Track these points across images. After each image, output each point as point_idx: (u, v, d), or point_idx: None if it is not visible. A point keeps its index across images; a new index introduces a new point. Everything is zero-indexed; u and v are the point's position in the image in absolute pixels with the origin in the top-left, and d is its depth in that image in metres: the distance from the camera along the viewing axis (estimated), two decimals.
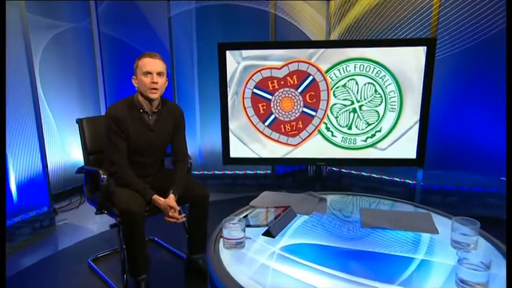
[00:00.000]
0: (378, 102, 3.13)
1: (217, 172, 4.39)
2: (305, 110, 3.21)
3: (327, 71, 3.13)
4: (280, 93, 3.19)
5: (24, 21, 3.16)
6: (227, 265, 1.64)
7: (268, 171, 4.40)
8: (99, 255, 2.95)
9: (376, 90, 3.11)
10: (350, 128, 3.20)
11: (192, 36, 4.15)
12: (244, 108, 3.24)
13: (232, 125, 3.28)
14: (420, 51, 3.01)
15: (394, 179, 3.97)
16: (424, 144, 3.14)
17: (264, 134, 3.28)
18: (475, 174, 3.57)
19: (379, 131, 3.18)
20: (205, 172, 4.41)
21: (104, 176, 2.43)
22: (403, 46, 3.06)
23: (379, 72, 3.07)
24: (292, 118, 3.23)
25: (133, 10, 4.17)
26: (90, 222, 3.60)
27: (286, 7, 4.01)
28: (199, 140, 4.37)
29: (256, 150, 3.32)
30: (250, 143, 3.31)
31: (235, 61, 3.17)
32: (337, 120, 3.20)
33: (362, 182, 4.18)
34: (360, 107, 3.15)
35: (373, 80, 3.09)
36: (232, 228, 1.79)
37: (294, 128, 3.25)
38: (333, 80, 3.14)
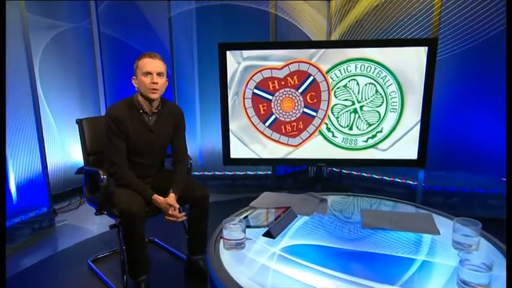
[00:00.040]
0: (379, 103, 3.12)
1: (218, 173, 4.38)
2: (306, 110, 3.20)
3: (327, 72, 3.12)
4: (281, 94, 3.18)
5: (24, 21, 3.16)
6: (227, 266, 1.63)
7: (269, 172, 4.39)
8: (99, 256, 2.94)
9: (377, 91, 3.10)
10: (351, 129, 3.19)
11: (192, 36, 4.14)
12: (245, 109, 3.24)
13: (232, 126, 3.27)
14: (421, 52, 3.00)
15: (395, 179, 3.96)
16: (426, 145, 3.13)
17: (264, 134, 3.27)
18: (476, 175, 3.56)
19: (380, 131, 3.17)
20: (206, 173, 4.40)
21: (103, 177, 2.42)
22: (404, 46, 3.05)
23: (380, 72, 3.06)
24: (292, 118, 3.23)
25: (134, 10, 4.17)
26: (90, 223, 3.59)
27: (286, 7, 4.01)
28: (200, 141, 4.36)
29: (256, 150, 3.31)
30: (251, 143, 3.30)
31: (235, 61, 3.17)
32: (338, 121, 3.19)
33: (363, 183, 4.17)
34: (361, 107, 3.14)
35: (374, 81, 3.08)
36: (232, 229, 1.78)
37: (295, 129, 3.24)
38: (333, 81, 3.13)
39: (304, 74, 3.14)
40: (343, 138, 3.22)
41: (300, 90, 3.17)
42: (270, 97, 3.19)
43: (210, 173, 4.40)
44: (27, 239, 3.23)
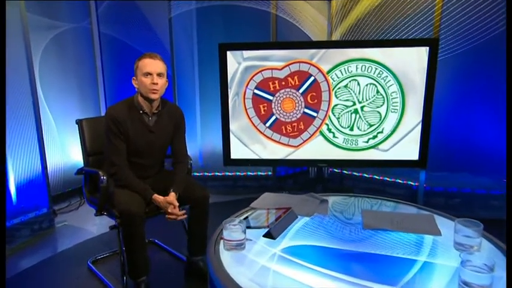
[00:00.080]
0: (379, 103, 3.11)
1: (218, 173, 4.37)
2: (306, 111, 3.19)
3: (328, 72, 3.11)
4: (282, 94, 3.17)
5: (24, 21, 3.15)
6: (227, 267, 1.63)
7: (269, 173, 4.39)
8: (98, 257, 2.93)
9: (378, 91, 3.09)
10: (352, 129, 3.18)
11: (192, 36, 4.14)
12: (245, 109, 3.23)
13: (233, 126, 3.27)
14: (422, 52, 2.99)
15: (397, 180, 3.94)
16: (427, 145, 3.12)
17: (265, 135, 3.26)
18: (478, 176, 3.55)
19: (381, 132, 3.16)
20: (206, 173, 4.39)
21: (103, 177, 2.42)
22: (405, 47, 3.04)
23: (381, 72, 3.05)
24: (293, 119, 3.22)
25: (134, 10, 4.16)
26: (89, 224, 3.58)
27: (287, 7, 4.00)
28: (200, 141, 4.35)
29: (257, 151, 3.30)
30: (251, 144, 3.29)
31: (236, 62, 3.16)
32: (338, 121, 3.18)
33: (364, 184, 4.16)
34: (362, 107, 3.13)
35: (375, 81, 3.07)
36: (232, 230, 1.77)
37: (295, 129, 3.23)
38: (334, 81, 3.12)
39: (304, 74, 3.13)
40: (344, 138, 3.21)
41: (301, 90, 3.16)
42: (270, 97, 3.19)
43: (210, 174, 4.39)
44: (27, 240, 3.22)
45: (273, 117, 3.22)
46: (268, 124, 3.23)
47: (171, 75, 4.17)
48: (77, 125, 2.75)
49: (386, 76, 3.05)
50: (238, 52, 3.14)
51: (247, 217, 2.11)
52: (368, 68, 3.06)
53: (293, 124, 3.22)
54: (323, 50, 3.09)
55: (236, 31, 4.01)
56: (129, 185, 2.43)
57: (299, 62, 3.12)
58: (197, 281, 2.62)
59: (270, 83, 3.17)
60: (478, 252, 1.70)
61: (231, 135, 3.28)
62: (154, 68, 2.39)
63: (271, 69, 3.14)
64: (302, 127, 3.22)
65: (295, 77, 3.14)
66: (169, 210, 2.39)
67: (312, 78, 3.13)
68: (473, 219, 1.76)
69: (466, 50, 3.36)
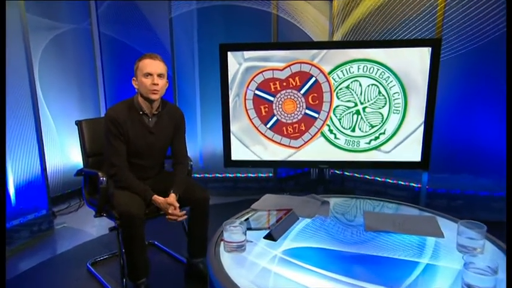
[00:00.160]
0: (381, 104, 3.10)
1: (219, 175, 4.36)
2: (307, 112, 3.18)
3: (329, 72, 3.09)
4: (283, 95, 3.16)
5: (23, 22, 3.14)
6: (228, 269, 1.62)
7: (270, 174, 4.37)
8: (98, 259, 2.92)
9: (380, 92, 3.08)
10: (353, 130, 3.17)
11: (193, 37, 4.13)
12: (246, 110, 3.22)
13: (233, 127, 3.26)
14: (425, 52, 2.98)
15: (399, 182, 3.92)
16: (429, 146, 3.11)
17: (265, 136, 3.25)
18: (480, 177, 3.53)
19: (383, 133, 3.14)
20: (206, 175, 4.38)
21: (103, 179, 2.41)
22: (407, 47, 3.04)
23: (383, 73, 3.04)
24: (294, 120, 3.20)
25: (134, 11, 4.15)
26: (89, 226, 3.57)
27: (288, 8, 3.99)
28: (200, 143, 4.34)
29: (258, 152, 3.28)
30: (252, 145, 3.28)
31: (236, 62, 3.15)
32: (340, 122, 3.17)
33: (365, 186, 4.14)
34: (364, 108, 3.12)
35: (377, 82, 3.06)
36: (233, 231, 1.76)
37: (296, 130, 3.22)
38: (336, 82, 3.11)
39: (306, 75, 3.12)
40: (346, 140, 3.19)
41: (302, 91, 3.14)
42: (271, 98, 3.17)
43: (210, 175, 4.37)
44: (26, 242, 3.21)
45: (274, 118, 3.21)
46: (269, 125, 3.22)
47: (172, 75, 4.16)
48: (76, 126, 2.74)
49: (388, 77, 3.04)
50: (239, 53, 3.14)
51: (247, 219, 2.09)
52: (370, 68, 3.05)
53: (294, 125, 3.21)
54: (324, 51, 3.08)
55: (237, 32, 4.00)
56: (129, 186, 2.41)
57: (300, 63, 3.11)
58: (197, 283, 2.60)
59: (271, 84, 3.15)
60: (481, 255, 1.68)
61: (232, 137, 3.27)
62: (155, 68, 2.38)
63: (272, 69, 3.13)
64: (303, 128, 3.21)
65: (296, 78, 3.12)
66: (169, 212, 2.37)
67: (313, 79, 3.12)
68: (476, 221, 1.74)
69: (468, 51, 3.34)
